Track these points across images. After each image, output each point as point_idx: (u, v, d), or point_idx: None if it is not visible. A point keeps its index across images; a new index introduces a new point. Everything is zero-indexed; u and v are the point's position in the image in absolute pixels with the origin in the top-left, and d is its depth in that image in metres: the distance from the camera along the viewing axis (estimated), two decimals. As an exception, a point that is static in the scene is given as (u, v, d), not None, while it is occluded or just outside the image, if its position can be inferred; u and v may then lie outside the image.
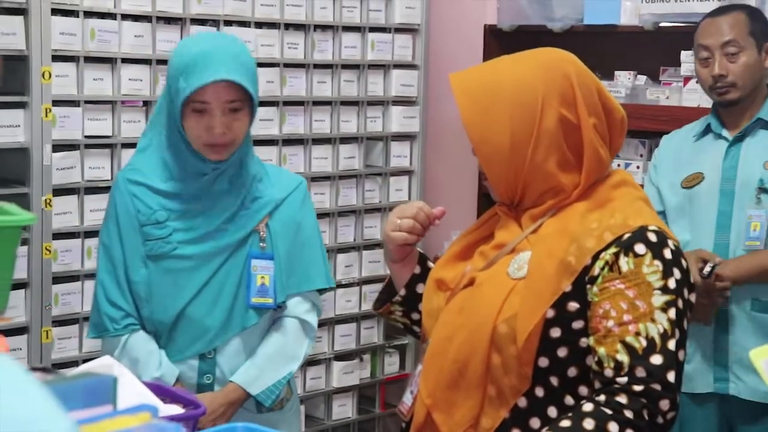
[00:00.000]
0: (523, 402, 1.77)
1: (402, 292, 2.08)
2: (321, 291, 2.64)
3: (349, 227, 4.00)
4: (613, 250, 1.74)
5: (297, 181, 2.59)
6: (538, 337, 1.74)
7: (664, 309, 1.72)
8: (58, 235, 3.26)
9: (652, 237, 1.76)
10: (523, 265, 1.80)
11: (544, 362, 1.76)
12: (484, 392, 1.79)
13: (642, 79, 3.85)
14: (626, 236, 1.75)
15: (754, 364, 1.62)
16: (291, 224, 2.53)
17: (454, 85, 1.83)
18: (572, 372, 1.76)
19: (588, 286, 1.75)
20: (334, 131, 3.92)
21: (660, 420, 1.69)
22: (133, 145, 3.40)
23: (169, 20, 3.49)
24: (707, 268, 2.81)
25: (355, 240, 4.01)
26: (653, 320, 1.71)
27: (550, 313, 1.74)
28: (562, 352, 1.76)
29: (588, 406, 1.69)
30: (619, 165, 3.87)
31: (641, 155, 3.82)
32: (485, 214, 1.99)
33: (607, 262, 1.74)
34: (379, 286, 4.01)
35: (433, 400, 1.83)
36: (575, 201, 1.83)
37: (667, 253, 1.75)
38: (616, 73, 3.89)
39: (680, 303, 1.74)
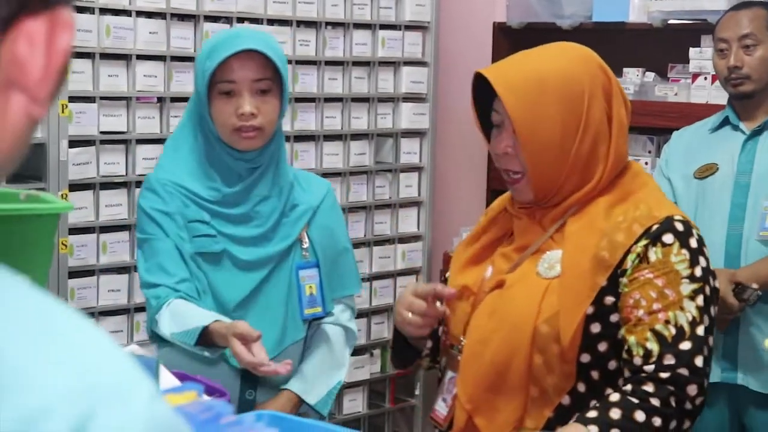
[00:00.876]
0: (566, 399, 1.79)
1: (429, 344, 2.04)
2: None
3: (359, 223, 4.02)
4: (643, 242, 1.77)
5: (326, 186, 2.50)
6: (581, 334, 1.76)
7: (692, 297, 1.75)
8: (74, 230, 3.29)
9: (679, 226, 1.79)
10: (554, 264, 1.81)
11: (585, 358, 1.78)
12: (526, 393, 1.79)
13: (650, 76, 3.88)
14: (654, 227, 1.78)
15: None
16: (326, 231, 2.45)
17: (496, 82, 1.81)
18: (612, 365, 1.79)
19: (620, 278, 1.78)
20: (345, 128, 3.95)
21: (689, 406, 1.72)
22: (147, 141, 3.45)
23: (183, 17, 3.52)
24: (751, 295, 2.80)
25: (365, 236, 4.04)
26: (682, 308, 1.74)
27: (590, 310, 1.77)
28: (602, 347, 1.78)
29: (615, 396, 1.72)
30: (627, 161, 3.90)
31: (649, 151, 3.85)
32: (488, 216, 1.99)
33: (638, 255, 1.77)
34: (388, 282, 4.07)
35: (474, 405, 1.83)
36: (597, 196, 1.84)
37: (693, 242, 1.79)
38: (625, 70, 3.92)
39: (707, 290, 1.78)
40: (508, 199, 1.95)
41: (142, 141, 3.42)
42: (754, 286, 2.81)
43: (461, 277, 1.94)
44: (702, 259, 1.79)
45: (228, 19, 3.60)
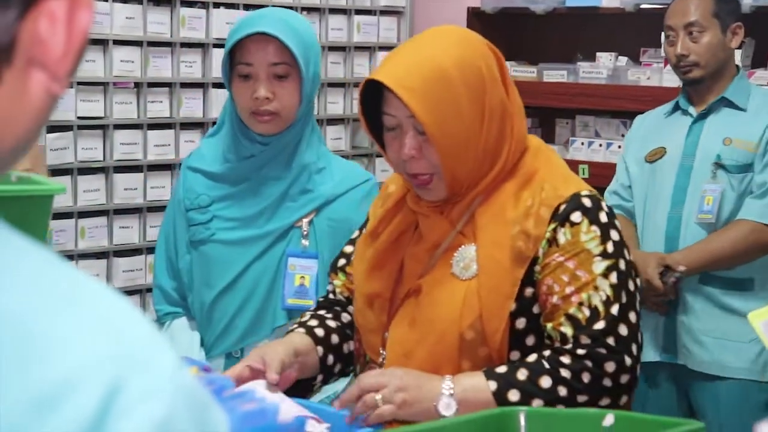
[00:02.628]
0: None
1: (319, 377, 1.90)
2: None
3: (335, 207, 4.04)
4: (552, 226, 1.71)
5: (362, 178, 2.35)
6: (508, 333, 1.71)
7: (606, 275, 1.70)
8: (52, 215, 3.28)
9: (587, 202, 1.73)
10: (469, 263, 1.74)
11: (515, 355, 1.72)
12: None
13: (623, 60, 3.92)
14: (562, 207, 1.72)
15: (752, 325, 1.68)
16: (342, 223, 2.26)
17: (394, 84, 1.68)
18: None
19: (534, 267, 1.72)
20: (321, 113, 3.96)
21: (608, 383, 1.67)
22: (124, 126, 3.45)
23: (159, 2, 3.52)
24: (671, 278, 2.84)
25: (341, 220, 4.06)
26: (596, 288, 1.69)
27: (513, 306, 1.71)
28: (530, 341, 1.73)
29: (530, 358, 1.68)
30: (601, 145, 3.95)
31: (622, 135, 3.88)
32: (386, 206, 1.86)
33: (547, 240, 1.71)
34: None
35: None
36: (502, 181, 1.77)
37: (603, 217, 1.73)
38: (598, 54, 3.96)
39: (622, 264, 1.72)
40: (406, 191, 1.83)
41: (119, 126, 3.42)
42: (681, 268, 2.84)
43: (369, 284, 1.83)
44: (614, 233, 1.73)
45: (204, 4, 3.61)
